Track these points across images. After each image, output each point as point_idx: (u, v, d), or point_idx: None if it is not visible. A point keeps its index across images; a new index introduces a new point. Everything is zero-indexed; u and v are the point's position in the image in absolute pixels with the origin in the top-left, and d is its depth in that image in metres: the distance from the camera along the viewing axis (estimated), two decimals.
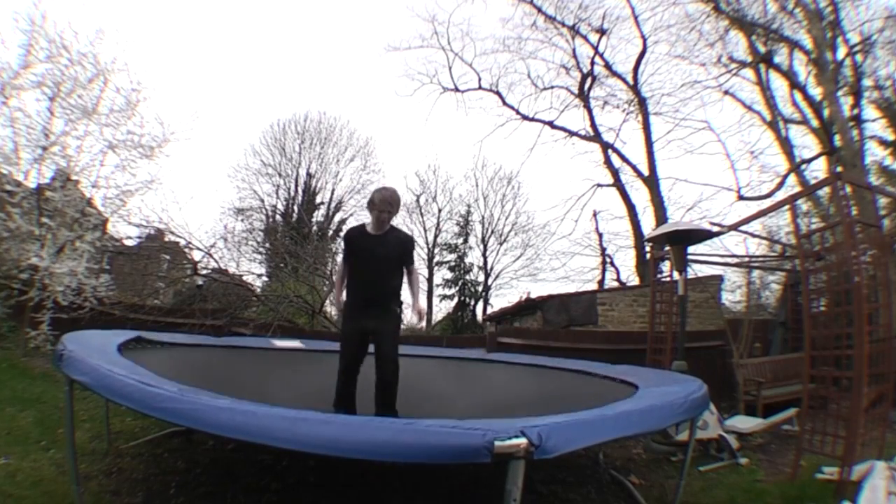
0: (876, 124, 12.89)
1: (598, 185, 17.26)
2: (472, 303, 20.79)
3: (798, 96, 14.01)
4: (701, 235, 5.43)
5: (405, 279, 3.45)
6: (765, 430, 5.05)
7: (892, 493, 2.97)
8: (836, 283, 4.01)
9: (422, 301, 3.59)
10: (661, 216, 15.02)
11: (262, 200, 21.08)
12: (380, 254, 3.30)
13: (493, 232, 21.92)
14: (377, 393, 3.21)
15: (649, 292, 6.98)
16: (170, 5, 31.43)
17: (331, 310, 10.38)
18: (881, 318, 3.93)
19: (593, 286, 17.71)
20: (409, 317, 3.44)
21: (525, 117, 17.78)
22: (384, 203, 3.29)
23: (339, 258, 3.66)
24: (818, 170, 13.47)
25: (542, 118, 17.65)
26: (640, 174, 16.30)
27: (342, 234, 3.61)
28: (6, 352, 6.43)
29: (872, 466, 3.24)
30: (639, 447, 4.63)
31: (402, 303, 3.52)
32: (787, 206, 5.32)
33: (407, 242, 3.48)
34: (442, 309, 21.17)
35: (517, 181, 21.83)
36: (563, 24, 16.61)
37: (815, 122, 13.42)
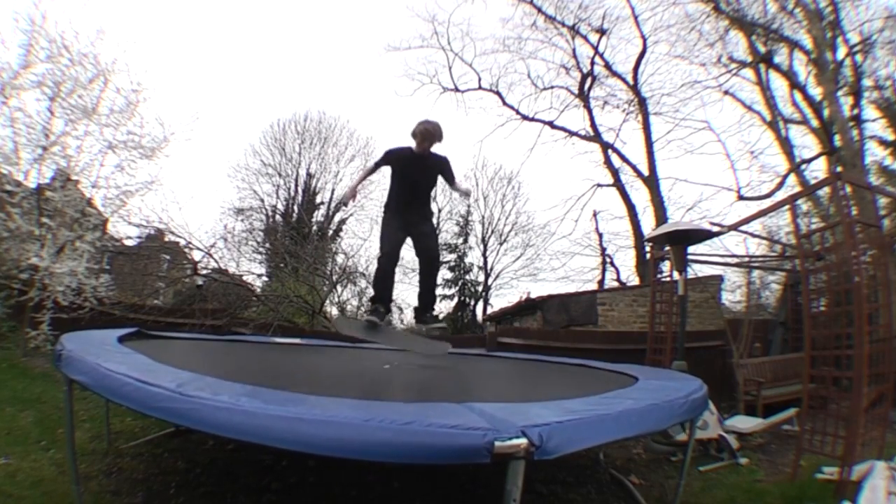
0: (876, 124, 12.91)
1: (598, 185, 17.29)
2: (472, 303, 20.82)
3: (798, 96, 14.03)
4: (701, 235, 5.42)
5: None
6: (765, 430, 5.05)
7: (892, 493, 2.97)
8: (836, 283, 4.01)
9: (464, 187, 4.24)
10: (661, 216, 15.03)
11: (262, 200, 21.09)
12: (421, 171, 3.88)
13: (493, 232, 21.94)
14: (421, 275, 3.83)
15: (649, 292, 6.98)
16: (170, 5, 31.45)
17: (331, 309, 10.40)
18: (881, 318, 3.92)
19: (593, 286, 17.74)
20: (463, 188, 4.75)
21: (525, 117, 17.80)
22: (425, 134, 3.79)
23: (370, 163, 4.27)
24: (818, 170, 13.50)
25: (542, 118, 17.67)
26: (640, 174, 16.31)
27: (386, 149, 4.12)
28: (6, 352, 6.43)
29: (872, 466, 3.24)
30: (639, 447, 4.63)
31: (432, 209, 4.18)
32: (787, 206, 5.32)
33: (445, 162, 4.00)
34: (442, 309, 21.19)
35: (517, 181, 21.87)
36: (563, 24, 16.64)
37: (815, 122, 13.43)
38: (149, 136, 7.16)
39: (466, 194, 4.50)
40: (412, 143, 3.90)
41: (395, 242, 3.81)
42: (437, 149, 3.97)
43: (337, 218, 21.79)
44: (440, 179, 4.11)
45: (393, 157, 3.95)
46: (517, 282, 21.40)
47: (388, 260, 3.76)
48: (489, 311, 19.36)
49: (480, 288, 21.08)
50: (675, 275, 5.62)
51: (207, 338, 5.39)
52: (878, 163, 12.94)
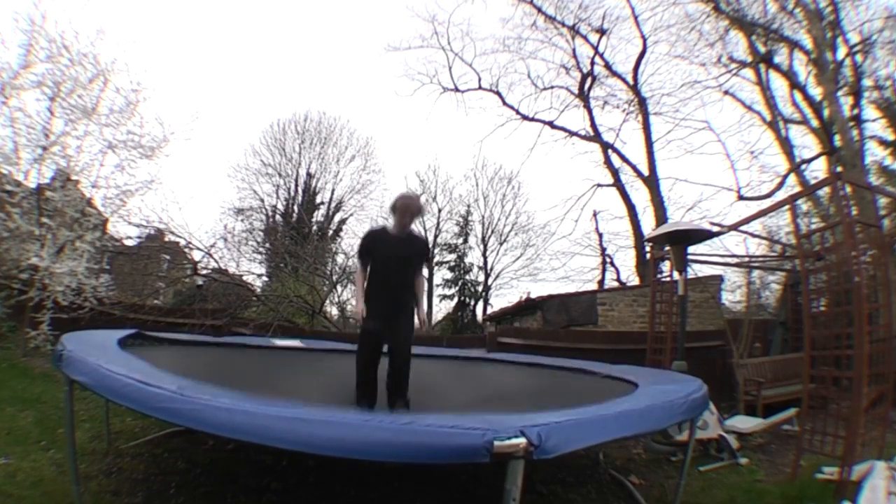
0: (876, 124, 12.91)
1: (598, 185, 17.27)
2: (472, 303, 20.80)
3: (798, 96, 14.02)
4: (701, 235, 5.42)
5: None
6: (765, 430, 5.05)
7: (892, 493, 2.97)
8: (836, 283, 4.01)
9: (424, 307, 3.74)
10: (661, 216, 15.02)
11: (262, 200, 21.11)
12: (402, 255, 3.49)
13: (493, 232, 21.93)
14: (389, 383, 3.41)
15: (649, 292, 6.98)
16: (170, 5, 31.44)
17: (331, 309, 10.40)
18: (881, 318, 3.92)
19: (593, 286, 17.72)
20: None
21: (525, 117, 17.79)
22: (406, 211, 3.49)
23: (357, 263, 3.80)
24: (818, 170, 13.49)
25: (542, 118, 17.66)
26: (640, 174, 16.30)
27: (362, 235, 3.78)
28: (6, 352, 6.43)
29: (872, 466, 3.24)
30: (639, 447, 4.63)
31: (417, 299, 3.67)
32: (787, 206, 5.32)
33: (424, 247, 3.73)
34: (442, 309, 21.20)
35: (517, 181, 21.86)
36: (563, 24, 16.63)
37: (815, 122, 13.42)
38: (149, 135, 7.18)
39: (422, 323, 3.75)
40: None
41: (374, 351, 3.48)
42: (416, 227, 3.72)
43: (337, 218, 21.82)
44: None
45: (372, 238, 3.65)
46: (517, 282, 21.43)
47: (369, 367, 3.46)
48: (489, 311, 19.35)
49: (480, 288, 21.08)
50: (675, 275, 5.61)
51: (207, 341, 5.38)
52: (878, 163, 12.95)
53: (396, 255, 3.47)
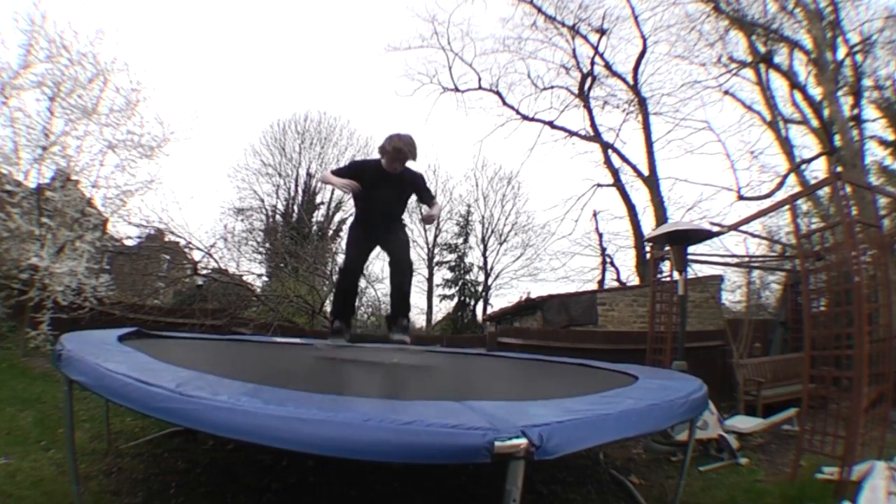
0: (876, 124, 12.93)
1: (598, 185, 17.30)
2: (472, 303, 20.80)
3: (798, 96, 14.05)
4: (701, 235, 5.42)
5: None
6: (765, 430, 5.05)
7: (892, 493, 2.97)
8: (836, 283, 4.01)
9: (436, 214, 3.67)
10: (661, 216, 15.03)
11: (262, 200, 21.12)
12: (391, 193, 3.38)
13: (493, 232, 21.95)
14: (393, 292, 3.37)
15: (649, 292, 6.98)
16: (170, 5, 31.44)
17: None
18: (881, 318, 3.92)
19: (593, 286, 17.74)
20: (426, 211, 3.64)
21: (525, 117, 17.81)
22: (397, 153, 3.25)
23: (333, 168, 3.67)
24: (818, 170, 13.52)
25: (542, 118, 17.69)
26: (640, 174, 16.33)
27: (352, 160, 3.65)
28: (6, 352, 6.43)
29: (872, 466, 3.24)
30: (639, 447, 4.63)
31: (405, 225, 3.64)
32: (787, 206, 5.32)
33: (418, 180, 3.51)
34: (442, 309, 21.21)
35: (517, 181, 21.89)
36: (563, 24, 16.65)
37: (815, 122, 13.44)
38: (149, 135, 7.19)
39: (429, 220, 3.74)
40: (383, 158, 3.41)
41: (358, 257, 3.43)
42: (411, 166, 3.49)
43: (337, 218, 21.82)
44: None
45: (358, 173, 3.43)
46: (517, 282, 21.44)
47: (348, 276, 3.40)
48: (489, 311, 19.36)
49: (480, 288, 21.09)
50: (675, 275, 5.61)
51: (207, 337, 5.39)
52: (878, 163, 12.97)
53: (386, 187, 3.32)
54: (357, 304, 3.42)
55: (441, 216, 22.16)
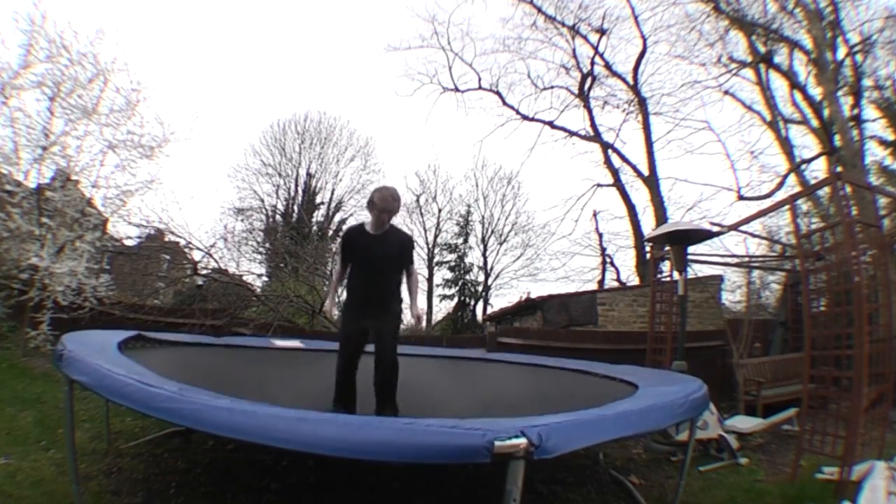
0: (876, 124, 12.91)
1: (598, 185, 17.27)
2: (472, 303, 20.79)
3: (798, 96, 14.03)
4: (701, 235, 5.42)
5: (404, 279, 3.44)
6: (765, 430, 5.05)
7: (892, 493, 2.97)
8: (836, 283, 4.01)
9: (421, 303, 3.63)
10: (661, 216, 15.01)
11: (262, 200, 21.10)
12: (379, 254, 3.28)
13: (493, 232, 21.94)
14: (376, 390, 3.22)
15: (649, 292, 6.98)
16: (170, 5, 31.45)
17: (331, 309, 10.38)
18: (881, 318, 3.93)
19: (593, 286, 17.72)
20: (407, 319, 3.43)
21: (525, 117, 17.78)
22: (384, 202, 3.24)
23: (337, 259, 3.61)
24: (818, 170, 13.49)
25: (542, 118, 17.65)
26: (640, 174, 16.30)
27: (341, 234, 3.59)
28: (6, 352, 6.43)
29: (872, 466, 3.24)
30: (639, 447, 4.63)
31: (402, 301, 3.51)
32: (787, 206, 5.32)
33: (406, 242, 3.45)
34: (442, 309, 21.20)
35: (517, 181, 21.86)
36: (563, 24, 16.62)
37: (815, 122, 13.42)
38: (149, 135, 7.19)
39: (418, 318, 3.43)
40: (369, 215, 3.36)
41: (352, 355, 3.29)
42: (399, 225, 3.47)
43: (337, 218, 21.82)
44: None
45: (348, 238, 3.42)
46: (517, 282, 21.43)
47: (346, 374, 3.28)
48: (489, 311, 19.35)
49: (480, 288, 21.08)
50: (675, 275, 5.62)
51: (207, 342, 5.38)
52: (878, 163, 12.95)
53: (374, 254, 3.28)
54: (355, 394, 3.31)
55: (441, 216, 22.20)
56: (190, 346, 5.10)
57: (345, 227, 3.66)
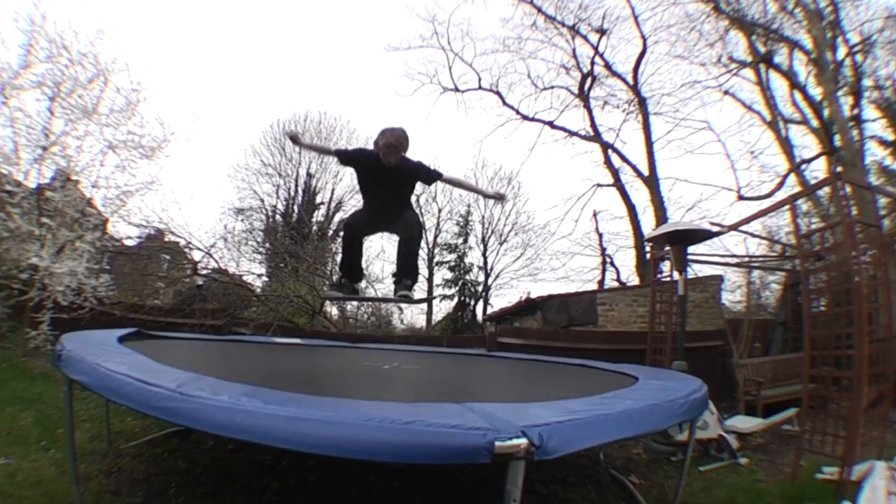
0: (876, 124, 12.91)
1: (598, 185, 17.27)
2: (472, 303, 20.77)
3: (798, 96, 14.03)
4: (701, 235, 5.42)
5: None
6: (765, 430, 5.05)
7: (893, 493, 2.97)
8: (836, 283, 4.01)
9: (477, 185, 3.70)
10: (661, 216, 15.02)
11: (262, 200, 21.06)
12: (392, 183, 3.39)
13: (493, 232, 21.90)
14: (398, 253, 3.42)
15: (649, 292, 6.98)
16: (170, 5, 31.42)
17: (331, 310, 10.38)
18: (881, 318, 3.92)
19: (593, 286, 17.71)
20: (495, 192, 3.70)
21: (525, 117, 17.80)
22: (389, 149, 3.27)
23: (336, 147, 3.78)
24: (818, 170, 13.49)
25: (542, 118, 17.67)
26: (640, 174, 16.31)
27: (356, 148, 3.66)
28: (6, 352, 6.43)
29: (872, 466, 3.24)
30: (639, 447, 4.63)
31: (413, 210, 3.66)
32: (787, 206, 5.32)
33: (418, 168, 3.50)
34: (442, 309, 21.17)
35: (517, 181, 21.82)
36: (563, 24, 16.62)
37: (815, 122, 13.43)
38: (149, 135, 7.18)
39: (502, 199, 3.64)
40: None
41: (362, 223, 3.45)
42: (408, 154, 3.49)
43: (337, 218, 21.80)
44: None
45: (361, 161, 3.49)
46: (517, 282, 21.38)
47: (348, 237, 3.44)
48: (489, 311, 19.33)
49: (480, 288, 21.05)
50: (675, 275, 5.61)
51: (207, 338, 5.39)
52: (878, 163, 12.95)
53: (386, 183, 3.37)
54: (364, 265, 3.38)
55: (441, 216, 22.18)
56: (190, 340, 5.10)
57: (361, 148, 3.74)
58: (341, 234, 3.49)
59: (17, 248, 6.25)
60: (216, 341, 5.25)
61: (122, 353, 2.81)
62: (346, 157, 3.65)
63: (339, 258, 3.42)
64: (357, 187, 3.66)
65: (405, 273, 3.41)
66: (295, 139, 4.08)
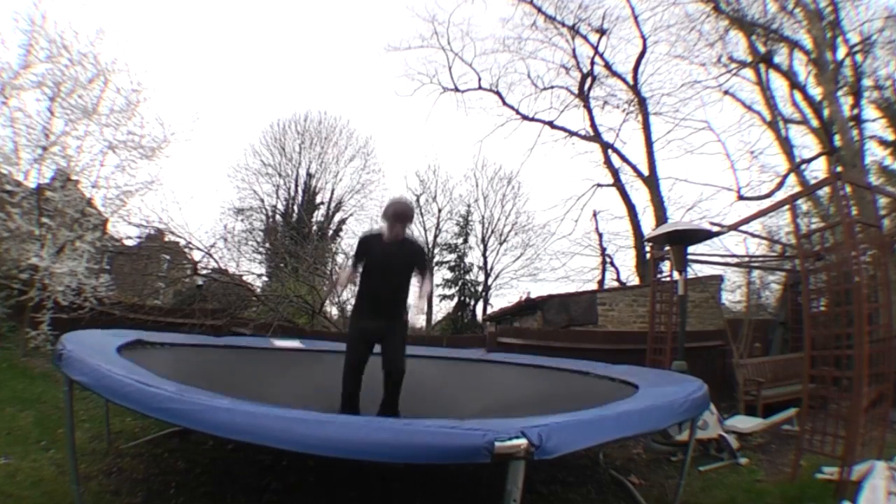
0: (876, 124, 12.92)
1: (598, 185, 17.28)
2: (472, 303, 20.79)
3: (798, 96, 14.04)
4: (701, 235, 5.42)
5: (413, 287, 3.50)
6: (765, 430, 5.05)
7: (893, 493, 2.97)
8: (836, 283, 4.01)
9: (422, 303, 3.64)
10: (661, 216, 15.02)
11: (262, 200, 21.10)
12: (394, 262, 3.38)
13: (493, 232, 21.91)
14: (385, 389, 3.31)
15: (649, 292, 6.98)
16: (170, 5, 31.44)
17: (331, 309, 10.38)
18: (881, 318, 3.93)
19: (593, 286, 17.72)
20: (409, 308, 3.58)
21: (525, 117, 17.80)
22: (398, 217, 3.39)
23: (348, 262, 3.77)
24: (818, 170, 13.50)
25: (542, 118, 17.67)
26: (640, 174, 16.32)
27: (358, 237, 3.68)
28: (6, 352, 6.43)
29: (872, 466, 3.24)
30: (639, 447, 4.63)
31: (408, 308, 3.57)
32: (787, 206, 5.32)
33: (420, 253, 3.55)
34: (442, 309, 21.18)
35: (517, 181, 21.84)
36: (563, 24, 16.64)
37: (815, 122, 13.43)
38: (149, 136, 7.17)
39: (419, 309, 3.65)
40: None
41: (359, 359, 3.37)
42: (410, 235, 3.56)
43: (337, 218, 21.82)
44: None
45: (365, 243, 3.52)
46: (517, 282, 21.40)
47: (352, 378, 3.36)
48: (489, 311, 19.35)
49: (480, 288, 21.06)
50: (675, 275, 5.61)
51: (208, 343, 5.37)
52: (878, 163, 12.96)
53: (388, 262, 3.37)
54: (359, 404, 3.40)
55: (441, 216, 22.18)
56: (189, 346, 5.09)
57: (361, 235, 3.77)
58: (345, 355, 3.42)
59: (17, 248, 6.25)
60: (217, 348, 5.23)
61: (122, 363, 2.81)
62: (358, 255, 3.57)
63: (341, 390, 3.37)
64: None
65: (391, 407, 3.30)
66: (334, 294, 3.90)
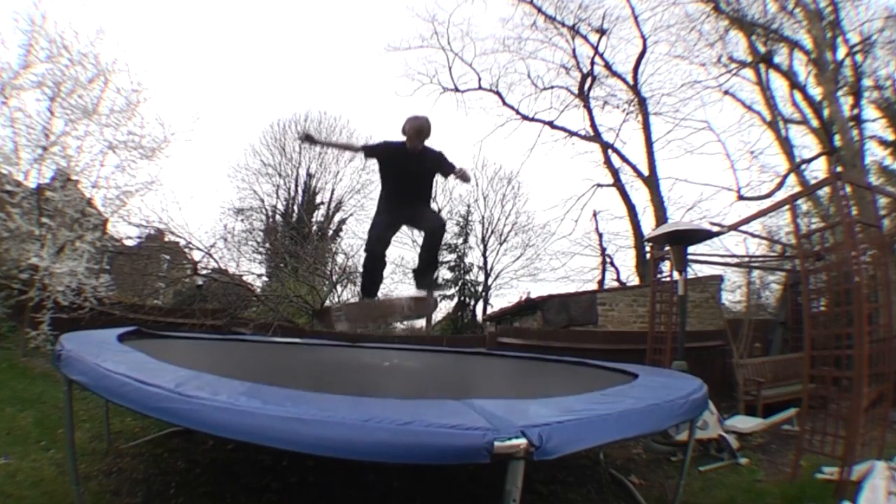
0: (876, 124, 12.92)
1: (598, 185, 17.28)
2: (472, 303, 20.75)
3: (798, 96, 14.04)
4: (701, 235, 5.42)
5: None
6: (765, 430, 5.05)
7: (893, 493, 2.97)
8: (836, 283, 4.01)
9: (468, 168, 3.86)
10: (661, 216, 15.03)
11: (262, 200, 21.05)
12: (414, 170, 3.62)
13: (493, 232, 21.87)
14: (423, 242, 3.65)
15: (649, 292, 6.98)
16: (170, 5, 31.43)
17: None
18: (881, 318, 3.92)
19: (593, 286, 17.72)
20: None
21: (525, 117, 17.79)
22: (417, 132, 3.57)
23: (359, 142, 4.03)
24: (818, 170, 13.51)
25: (542, 118, 17.67)
26: (640, 174, 16.32)
27: (379, 140, 3.86)
28: (6, 352, 6.43)
29: (872, 466, 3.24)
30: (639, 447, 4.63)
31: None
32: (787, 206, 5.32)
33: (439, 160, 3.73)
34: (442, 309, 21.14)
35: (517, 181, 21.77)
36: (563, 24, 16.63)
37: (815, 122, 13.43)
38: (149, 136, 7.17)
39: (465, 179, 3.84)
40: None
41: (382, 240, 3.63)
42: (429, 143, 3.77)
43: (337, 218, 21.80)
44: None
45: (384, 152, 3.71)
46: (517, 282, 21.35)
47: (372, 260, 3.60)
48: (489, 311, 19.31)
49: (480, 288, 21.02)
50: (675, 275, 5.61)
51: (207, 336, 5.40)
52: (878, 163, 12.96)
53: (409, 170, 3.59)
54: (384, 275, 3.63)
55: (442, 215, 22.14)
56: (190, 339, 5.11)
57: (384, 140, 4.06)
58: (363, 256, 3.66)
59: (17, 248, 6.25)
60: (215, 340, 5.25)
61: (121, 351, 2.81)
62: (371, 151, 3.83)
63: (360, 279, 3.60)
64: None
65: (430, 266, 3.59)
66: (310, 139, 4.45)
